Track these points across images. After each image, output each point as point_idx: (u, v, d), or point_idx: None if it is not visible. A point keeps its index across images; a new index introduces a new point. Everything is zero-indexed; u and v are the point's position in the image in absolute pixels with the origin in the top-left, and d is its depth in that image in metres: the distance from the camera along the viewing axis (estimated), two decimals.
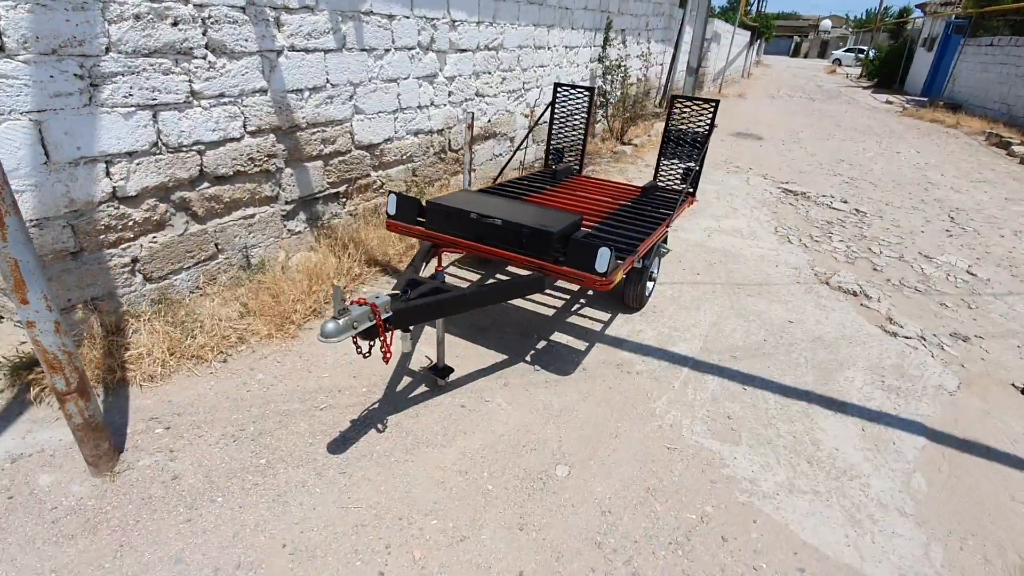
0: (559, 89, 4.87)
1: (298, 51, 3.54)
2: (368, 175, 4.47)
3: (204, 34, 2.98)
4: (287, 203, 3.80)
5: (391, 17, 4.23)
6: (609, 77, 8.50)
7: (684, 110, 4.46)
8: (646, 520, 2.18)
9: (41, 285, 1.83)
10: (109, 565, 1.85)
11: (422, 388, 2.84)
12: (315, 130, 3.84)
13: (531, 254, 2.75)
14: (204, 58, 3.01)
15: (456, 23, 4.98)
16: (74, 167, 2.60)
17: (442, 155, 5.33)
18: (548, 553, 2.01)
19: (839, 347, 3.53)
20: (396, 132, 4.64)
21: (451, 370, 2.84)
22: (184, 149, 3.05)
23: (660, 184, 4.72)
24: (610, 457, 2.48)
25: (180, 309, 3.09)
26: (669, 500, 2.29)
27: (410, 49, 4.53)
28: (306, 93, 3.69)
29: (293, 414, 2.59)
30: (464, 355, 3.13)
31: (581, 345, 3.32)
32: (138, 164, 2.85)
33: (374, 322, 2.04)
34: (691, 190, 4.54)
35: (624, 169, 7.49)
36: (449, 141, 5.39)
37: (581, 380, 3.00)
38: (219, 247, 3.40)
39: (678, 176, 4.64)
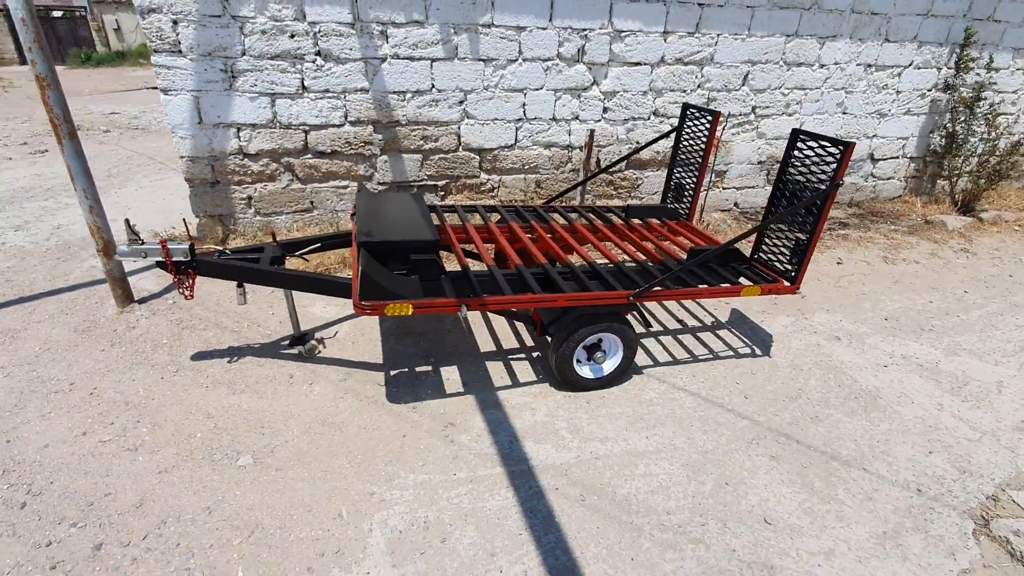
0: (689, 112, 3.82)
1: (402, 59, 4.18)
2: (476, 176, 4.78)
3: (315, 44, 3.98)
4: (380, 183, 4.58)
5: (520, 28, 4.32)
6: (962, 114, 5.67)
7: None
8: None
9: (83, 183, 3.17)
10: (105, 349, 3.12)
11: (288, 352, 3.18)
12: (416, 127, 4.44)
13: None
14: (313, 62, 4.02)
15: (623, 34, 4.55)
16: (215, 128, 4.05)
17: (581, 173, 5.03)
18: None
19: None
20: (518, 141, 4.73)
21: (308, 338, 3.07)
22: (293, 127, 4.19)
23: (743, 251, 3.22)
24: None
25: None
26: None
27: (546, 60, 4.49)
28: (408, 95, 4.31)
29: (220, 325, 3.41)
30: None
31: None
32: (258, 132, 4.14)
33: (163, 259, 2.59)
34: (792, 272, 2.95)
35: (911, 255, 5.07)
36: (599, 160, 5.02)
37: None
38: (313, 204, 4.49)
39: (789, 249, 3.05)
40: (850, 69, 5.32)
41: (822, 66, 5.23)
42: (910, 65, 5.50)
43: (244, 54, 3.89)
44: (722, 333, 3.57)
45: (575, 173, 5.02)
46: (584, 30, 4.47)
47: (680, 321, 3.70)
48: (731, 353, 3.35)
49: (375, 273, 2.36)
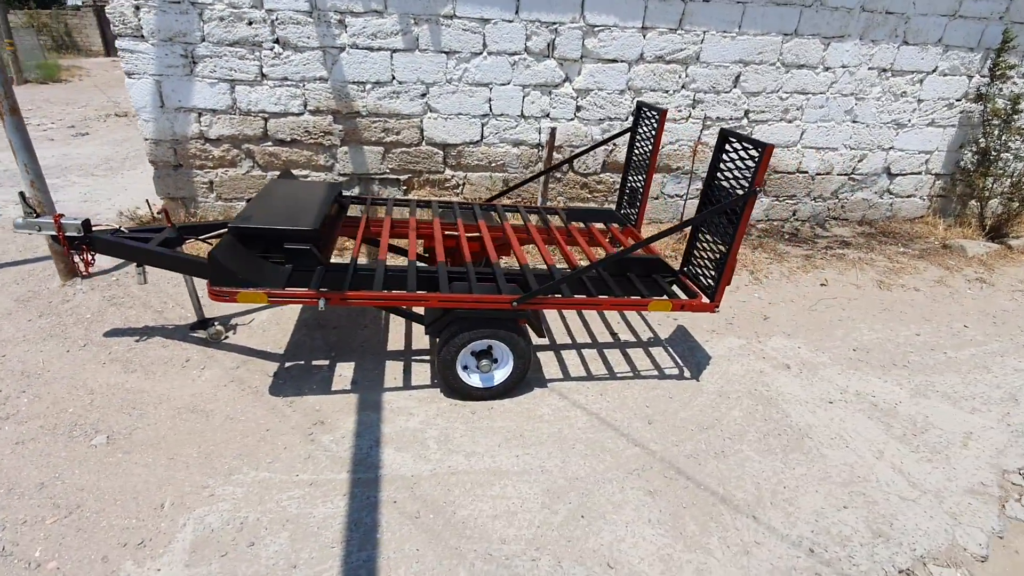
0: (643, 111, 3.53)
1: (361, 48, 4.12)
2: (440, 172, 4.66)
3: (272, 31, 3.98)
4: (341, 175, 4.54)
5: (484, 21, 4.17)
6: (996, 128, 5.03)
7: None
8: None
9: (24, 157, 3.28)
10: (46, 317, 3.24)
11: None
12: (376, 119, 4.37)
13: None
14: (271, 49, 4.02)
15: (596, 28, 4.31)
16: (176, 112, 4.13)
17: (555, 174, 4.81)
18: None
19: None
20: (485, 138, 4.57)
21: (210, 322, 3.05)
22: (252, 114, 4.21)
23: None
24: None
25: None
26: None
27: (513, 55, 4.31)
28: (368, 86, 4.25)
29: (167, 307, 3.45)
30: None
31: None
32: (218, 118, 4.19)
33: (55, 232, 2.62)
34: (713, 288, 2.64)
35: (912, 281, 4.55)
36: (572, 161, 4.79)
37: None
38: None
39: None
40: (860, 73, 4.83)
41: (827, 69, 4.78)
42: (934, 71, 4.94)
43: (203, 40, 3.94)
44: (655, 351, 3.29)
45: (550, 175, 4.81)
46: (554, 24, 4.27)
47: (614, 335, 3.44)
48: (655, 373, 3.07)
49: (227, 258, 2.28)
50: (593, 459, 2.42)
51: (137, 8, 3.77)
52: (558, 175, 4.83)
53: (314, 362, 2.99)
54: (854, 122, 5.04)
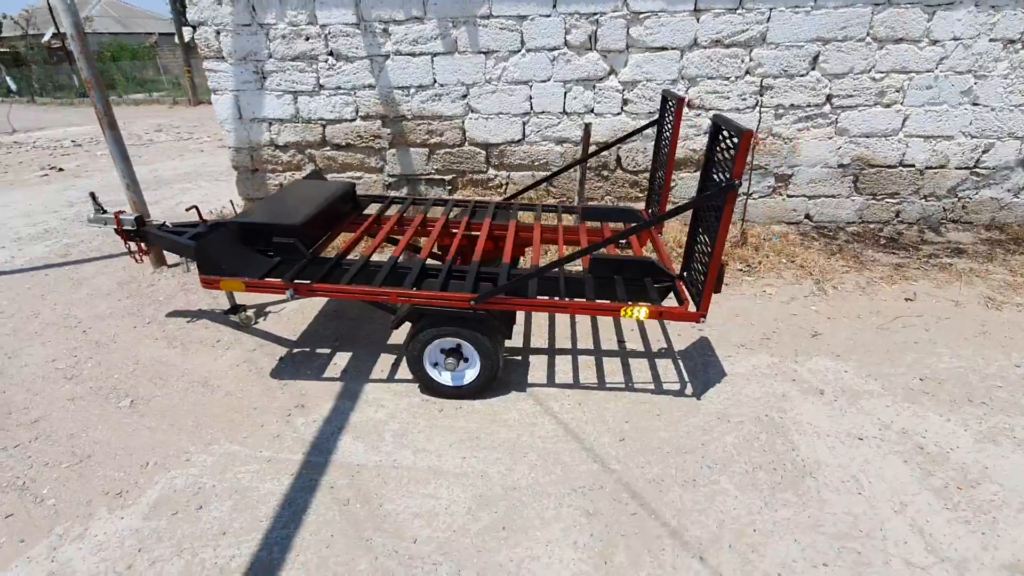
0: (669, 101, 3.17)
1: (404, 55, 4.30)
2: (483, 172, 4.69)
3: (326, 45, 4.31)
4: (390, 176, 4.78)
5: (521, 18, 4.12)
6: None
7: None
8: None
9: (121, 166, 3.94)
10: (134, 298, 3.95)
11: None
12: (420, 122, 4.53)
13: None
14: (326, 61, 4.37)
15: (641, 15, 4.04)
16: (251, 122, 4.66)
17: (603, 172, 4.59)
18: None
19: None
20: (526, 136, 4.52)
21: (241, 308, 3.39)
22: (312, 122, 4.61)
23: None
24: None
25: None
26: None
27: (552, 50, 4.20)
28: (411, 90, 4.42)
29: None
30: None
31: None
32: (284, 126, 4.65)
33: (115, 226, 3.10)
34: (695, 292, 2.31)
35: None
36: (619, 158, 4.54)
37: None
38: None
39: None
40: (979, 46, 3.93)
41: (935, 43, 3.97)
42: None
43: (270, 57, 4.41)
44: (663, 362, 2.99)
45: (591, 171, 4.61)
46: (594, 14, 4.08)
47: (621, 342, 3.19)
48: (651, 387, 2.79)
49: (212, 250, 2.53)
50: (541, 470, 2.27)
51: (218, 32, 4.33)
52: (605, 173, 4.61)
53: (318, 350, 3.20)
54: (974, 104, 4.12)
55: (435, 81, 4.41)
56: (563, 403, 2.68)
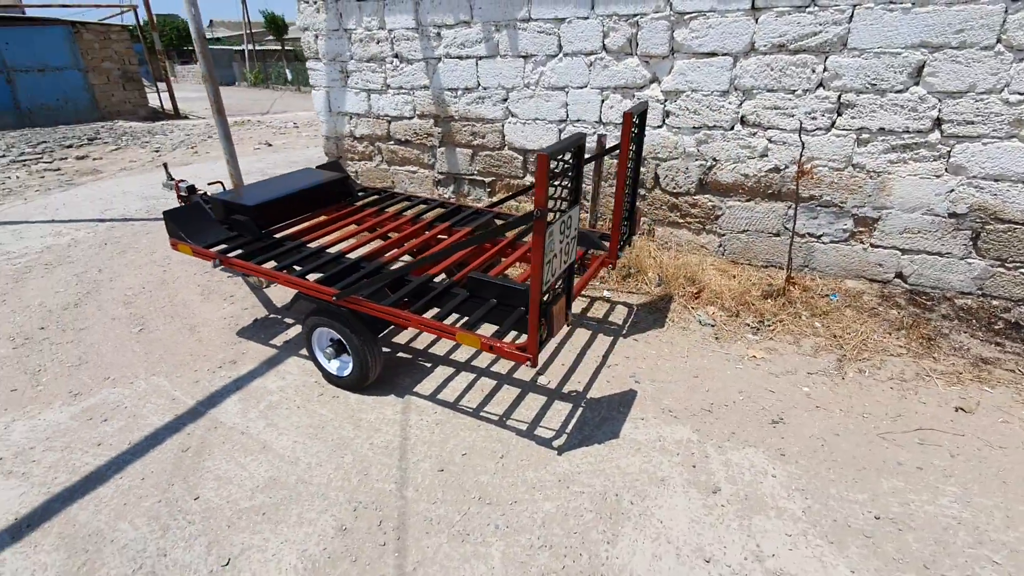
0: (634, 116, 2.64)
1: (453, 58, 4.44)
2: (520, 177, 4.61)
3: (392, 47, 4.68)
4: (439, 173, 4.99)
5: (559, 20, 3.92)
6: None
7: None
8: None
9: (224, 144, 4.87)
10: None
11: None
12: (466, 123, 4.64)
13: None
14: (392, 63, 4.74)
15: (687, 16, 3.52)
16: (337, 115, 5.30)
17: (639, 190, 4.13)
18: None
19: None
20: None
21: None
22: (380, 117, 5.06)
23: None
24: None
25: None
26: None
27: (589, 55, 3.92)
28: (459, 92, 4.55)
29: None
30: None
31: None
32: (360, 120, 5.19)
33: (175, 192, 3.89)
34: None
35: None
36: (657, 176, 4.05)
37: None
38: (393, 183, 5.30)
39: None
40: None
41: None
42: None
43: (351, 58, 4.96)
44: (561, 405, 2.66)
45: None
46: (634, 16, 3.69)
47: (539, 374, 2.91)
48: (523, 427, 2.52)
49: (174, 218, 3.04)
50: (342, 475, 2.27)
51: (316, 37, 5.03)
52: (641, 191, 4.16)
53: (286, 319, 3.60)
54: None
55: (479, 84, 4.47)
56: (424, 419, 2.60)
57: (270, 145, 10.46)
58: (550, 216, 1.94)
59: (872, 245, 3.58)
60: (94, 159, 9.40)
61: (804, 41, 3.31)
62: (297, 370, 3.03)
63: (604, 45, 3.88)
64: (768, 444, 2.38)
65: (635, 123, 2.90)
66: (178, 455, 2.42)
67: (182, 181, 3.94)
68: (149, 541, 2.00)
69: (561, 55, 4.06)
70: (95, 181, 7.73)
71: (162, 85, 16.30)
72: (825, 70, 3.32)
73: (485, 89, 4.46)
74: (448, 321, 2.48)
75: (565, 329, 3.32)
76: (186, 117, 15.36)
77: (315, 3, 4.89)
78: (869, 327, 3.13)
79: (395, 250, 3.08)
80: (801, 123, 3.46)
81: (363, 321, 2.57)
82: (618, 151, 2.79)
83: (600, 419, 2.57)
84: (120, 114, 14.31)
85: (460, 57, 4.45)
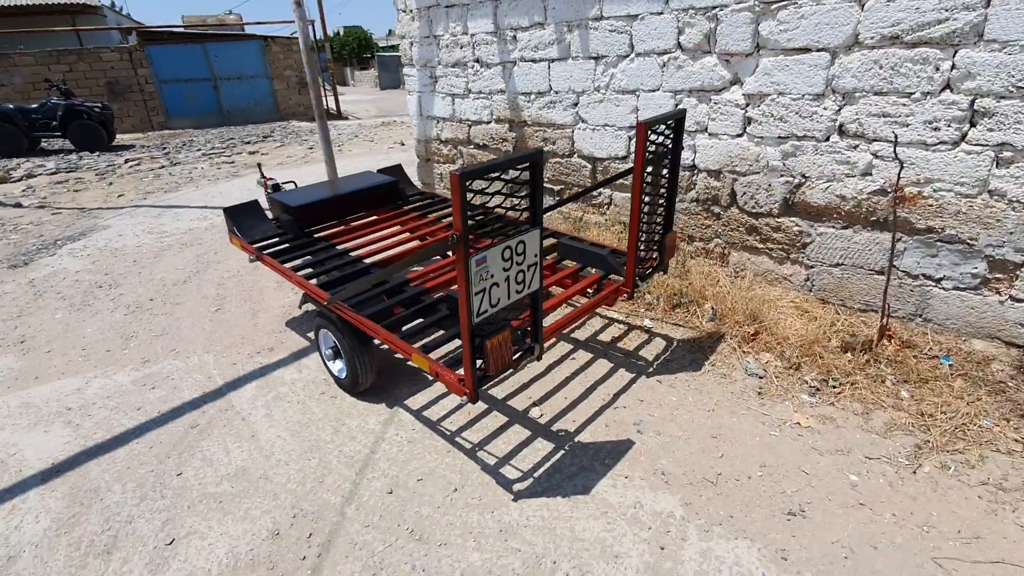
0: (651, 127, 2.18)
1: (527, 61, 4.29)
2: (586, 186, 4.30)
3: (473, 52, 4.67)
4: None
5: (632, 17, 3.56)
6: None
7: None
8: None
9: (324, 146, 5.29)
10: None
11: None
12: (538, 128, 4.47)
13: None
14: (473, 68, 4.73)
15: (774, 6, 2.96)
16: (427, 119, 5.46)
17: (712, 208, 3.61)
18: None
19: None
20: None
21: None
22: (462, 122, 5.10)
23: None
24: None
25: None
26: None
27: (662, 54, 3.50)
28: (532, 96, 4.39)
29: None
30: None
31: None
32: (445, 124, 5.29)
33: (264, 189, 4.31)
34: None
35: None
36: (734, 192, 3.49)
37: None
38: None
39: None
40: None
41: None
42: None
43: (439, 64, 5.07)
44: (542, 443, 2.40)
45: (697, 203, 3.68)
46: (712, 8, 3.20)
47: (533, 405, 2.65)
48: (492, 461, 2.31)
49: (233, 215, 3.34)
50: (299, 478, 2.29)
51: (411, 44, 5.24)
52: (715, 209, 3.62)
53: None
54: None
55: (551, 88, 4.26)
56: (400, 434, 2.53)
57: (403, 144, 11.24)
58: (489, 240, 1.73)
59: (1013, 298, 2.69)
60: (261, 154, 10.95)
61: (925, 31, 2.58)
62: (316, 365, 3.17)
63: (679, 43, 3.44)
64: (770, 540, 1.89)
65: (667, 134, 2.52)
66: (186, 431, 2.67)
67: (271, 179, 4.37)
68: (125, 507, 2.22)
69: (632, 55, 3.69)
70: (254, 173, 9.00)
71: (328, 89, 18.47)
72: (953, 68, 2.55)
73: (556, 93, 4.25)
74: (432, 337, 2.39)
75: (577, 360, 3.02)
76: (346, 118, 17.22)
77: (410, 12, 5.09)
78: (978, 408, 2.34)
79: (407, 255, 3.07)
80: (896, 136, 2.72)
81: (351, 328, 2.59)
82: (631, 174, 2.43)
83: (577, 468, 2.27)
84: (294, 115, 16.54)
85: (533, 60, 4.29)
